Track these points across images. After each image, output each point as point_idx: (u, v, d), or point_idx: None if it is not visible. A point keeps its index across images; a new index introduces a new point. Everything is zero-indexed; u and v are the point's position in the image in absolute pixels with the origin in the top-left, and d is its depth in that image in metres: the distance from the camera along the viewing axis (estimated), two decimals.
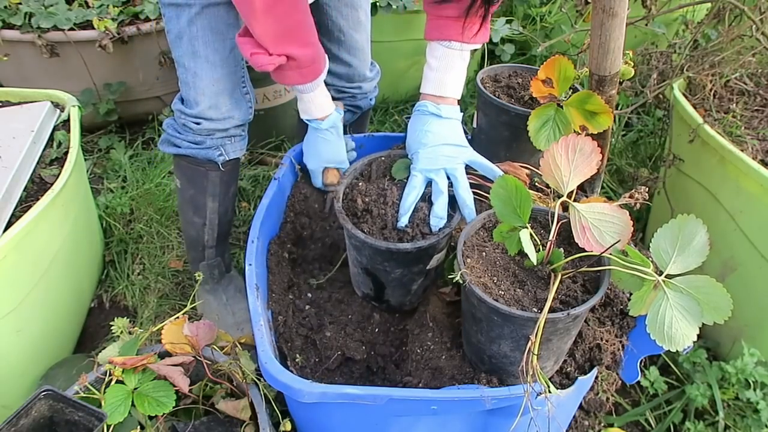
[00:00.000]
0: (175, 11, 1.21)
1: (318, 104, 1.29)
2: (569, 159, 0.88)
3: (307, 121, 1.33)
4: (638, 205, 0.91)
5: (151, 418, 1.05)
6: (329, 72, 1.51)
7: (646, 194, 0.90)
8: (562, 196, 0.88)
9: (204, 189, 1.43)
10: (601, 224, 0.86)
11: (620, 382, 1.09)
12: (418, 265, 1.11)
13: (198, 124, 1.31)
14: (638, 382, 1.31)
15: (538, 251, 0.91)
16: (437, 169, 1.13)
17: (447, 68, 1.16)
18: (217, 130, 1.33)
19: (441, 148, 1.14)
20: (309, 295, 1.30)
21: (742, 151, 1.30)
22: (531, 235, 0.89)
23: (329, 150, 1.34)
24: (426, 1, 1.15)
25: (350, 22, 1.43)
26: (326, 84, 1.57)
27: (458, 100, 1.21)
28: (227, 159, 1.38)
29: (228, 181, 1.45)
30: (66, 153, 1.48)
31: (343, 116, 1.37)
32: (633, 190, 0.91)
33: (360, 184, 1.18)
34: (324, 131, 1.32)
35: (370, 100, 1.62)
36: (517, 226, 0.90)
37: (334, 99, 1.59)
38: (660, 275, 0.82)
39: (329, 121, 1.31)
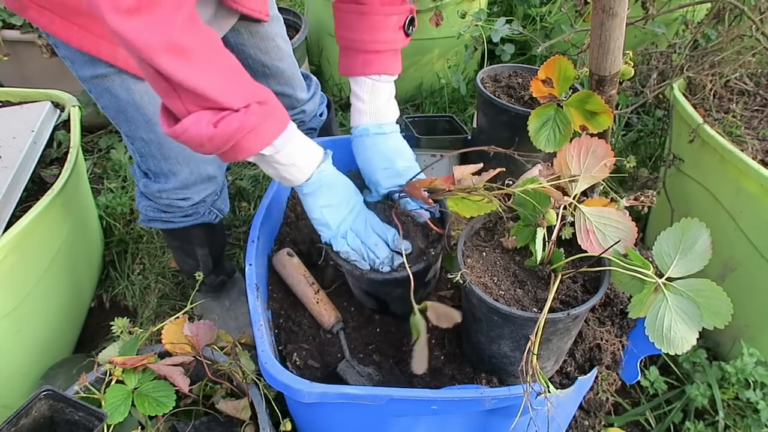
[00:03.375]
0: (102, 84, 1.05)
1: (307, 148, 0.99)
2: (581, 161, 0.88)
3: (301, 188, 1.01)
4: (645, 209, 0.91)
5: (151, 418, 1.05)
6: None
7: (654, 198, 0.90)
8: (569, 197, 0.88)
9: (190, 242, 1.39)
10: (605, 228, 0.86)
11: (620, 382, 1.09)
12: (417, 282, 1.11)
13: (186, 199, 1.22)
14: (638, 382, 1.31)
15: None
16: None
17: (378, 99, 1.13)
18: (209, 194, 1.26)
19: (397, 162, 1.11)
20: None
21: (742, 151, 1.30)
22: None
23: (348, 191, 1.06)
24: (354, 37, 1.08)
25: (271, 54, 1.34)
26: None
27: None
28: (223, 216, 1.34)
29: (213, 228, 1.40)
30: (66, 153, 1.48)
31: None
32: (639, 193, 0.90)
33: None
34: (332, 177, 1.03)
35: (320, 115, 1.55)
36: (532, 224, 0.90)
37: None
38: (660, 278, 0.82)
39: (328, 162, 1.02)
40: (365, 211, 1.07)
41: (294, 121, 1.45)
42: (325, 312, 1.17)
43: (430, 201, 0.99)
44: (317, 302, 1.19)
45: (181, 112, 0.81)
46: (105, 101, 1.09)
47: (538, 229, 0.88)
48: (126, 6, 0.70)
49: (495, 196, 0.92)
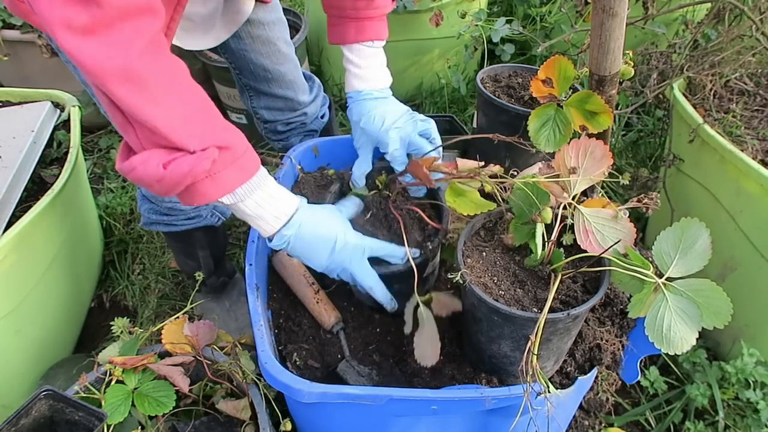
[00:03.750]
0: None
1: (277, 200, 0.91)
2: (579, 162, 0.88)
3: (275, 242, 0.95)
4: (649, 211, 0.90)
5: (151, 418, 1.05)
6: (273, 108, 1.44)
7: (659, 201, 0.90)
8: (568, 197, 0.88)
9: (191, 244, 1.39)
10: (604, 229, 0.87)
11: (620, 382, 1.09)
12: (417, 275, 1.11)
13: None
14: (638, 382, 1.31)
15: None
16: (410, 133, 1.12)
17: (374, 65, 1.16)
18: None
19: (406, 123, 1.14)
20: None
21: (742, 151, 1.30)
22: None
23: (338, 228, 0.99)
24: (347, 5, 1.10)
25: (272, 58, 1.34)
26: (270, 121, 1.45)
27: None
28: (225, 218, 1.34)
29: (215, 231, 1.40)
30: (66, 153, 1.48)
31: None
32: (642, 195, 0.90)
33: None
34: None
35: (322, 117, 1.55)
36: (529, 220, 0.90)
37: (283, 133, 1.47)
38: (660, 278, 0.82)
39: (300, 216, 0.94)
40: (358, 238, 1.00)
41: (295, 123, 1.46)
42: (325, 312, 1.17)
43: (432, 181, 0.98)
44: (317, 302, 1.19)
45: (137, 149, 0.76)
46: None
47: (537, 225, 0.88)
48: (80, 24, 0.65)
49: (494, 185, 0.92)
